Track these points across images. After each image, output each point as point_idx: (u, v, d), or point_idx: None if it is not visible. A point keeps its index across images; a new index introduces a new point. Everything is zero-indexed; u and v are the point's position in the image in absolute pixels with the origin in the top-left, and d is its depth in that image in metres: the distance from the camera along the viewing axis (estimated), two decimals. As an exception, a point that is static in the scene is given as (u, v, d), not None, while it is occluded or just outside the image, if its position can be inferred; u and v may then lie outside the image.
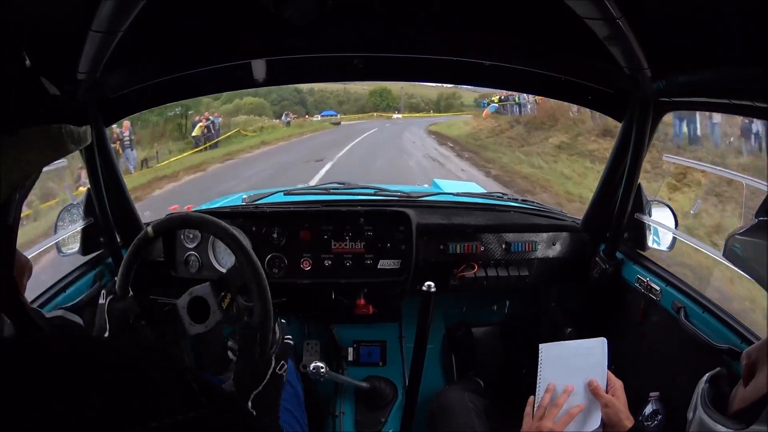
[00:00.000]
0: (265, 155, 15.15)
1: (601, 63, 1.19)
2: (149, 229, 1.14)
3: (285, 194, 1.87)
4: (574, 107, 10.31)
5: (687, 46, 0.99)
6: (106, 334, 1.08)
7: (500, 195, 2.01)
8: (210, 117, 16.77)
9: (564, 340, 1.56)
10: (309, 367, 1.49)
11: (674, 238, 1.47)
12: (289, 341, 1.75)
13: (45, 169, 0.48)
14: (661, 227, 1.48)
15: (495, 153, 13.42)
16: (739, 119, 6.61)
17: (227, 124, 19.98)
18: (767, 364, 0.57)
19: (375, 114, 33.03)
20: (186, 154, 14.42)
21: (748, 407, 0.56)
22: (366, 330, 1.77)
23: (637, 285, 1.43)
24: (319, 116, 29.44)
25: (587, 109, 8.59)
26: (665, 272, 1.39)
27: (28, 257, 0.59)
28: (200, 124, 16.07)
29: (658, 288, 1.35)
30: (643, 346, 1.41)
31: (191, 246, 1.58)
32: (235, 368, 1.04)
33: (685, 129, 7.78)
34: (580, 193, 7.90)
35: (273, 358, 1.02)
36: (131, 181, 9.58)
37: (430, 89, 33.86)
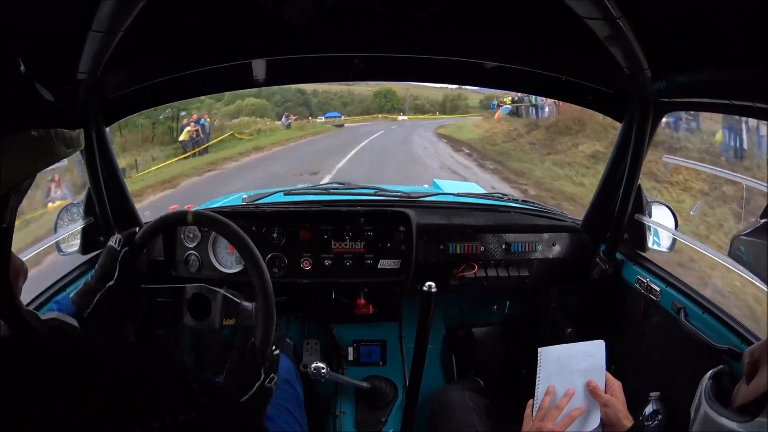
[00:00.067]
0: (253, 165, 13.14)
1: (601, 63, 1.19)
2: (189, 215, 1.14)
3: (285, 194, 1.87)
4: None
5: (687, 47, 1.00)
6: (112, 282, 1.10)
7: (500, 195, 2.01)
8: (200, 119, 15.60)
9: (564, 340, 1.57)
10: (309, 367, 1.49)
11: (674, 239, 1.47)
12: (288, 342, 1.75)
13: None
14: (661, 228, 1.48)
15: (521, 163, 11.66)
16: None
17: (222, 126, 18.92)
18: None
19: (380, 115, 32.50)
20: (170, 161, 12.89)
21: (751, 402, 0.57)
22: (366, 330, 1.77)
23: (637, 285, 1.43)
24: (322, 118, 28.93)
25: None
26: (665, 273, 1.39)
27: (23, 260, 0.59)
28: (188, 128, 14.65)
29: (658, 288, 1.35)
30: (643, 346, 1.41)
31: (191, 245, 1.58)
32: (224, 375, 1.04)
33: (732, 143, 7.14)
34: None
35: (262, 371, 1.02)
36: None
37: (435, 90, 33.38)
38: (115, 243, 1.15)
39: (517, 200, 1.93)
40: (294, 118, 25.77)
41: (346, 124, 27.55)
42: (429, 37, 1.25)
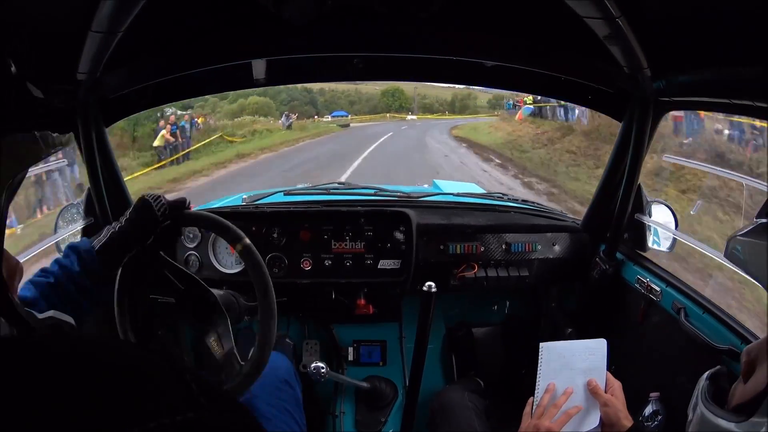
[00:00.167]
0: (224, 182, 9.95)
1: (601, 63, 1.19)
2: (239, 245, 1.04)
3: (285, 194, 1.87)
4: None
5: (687, 46, 0.99)
6: (141, 249, 0.99)
7: (500, 195, 2.01)
8: (181, 121, 13.48)
9: (564, 340, 1.56)
10: (309, 367, 1.49)
11: (674, 239, 1.47)
12: (288, 342, 1.75)
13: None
14: (661, 228, 1.48)
15: (576, 182, 8.85)
16: None
17: (215, 127, 17.09)
18: (767, 360, 0.57)
19: (388, 115, 31.60)
20: (139, 172, 10.56)
21: (748, 402, 0.57)
22: (366, 330, 1.77)
23: (637, 285, 1.43)
24: (329, 117, 27.95)
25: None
26: (665, 273, 1.39)
27: (20, 260, 0.59)
28: (162, 132, 12.30)
29: (658, 288, 1.35)
30: (643, 346, 1.41)
31: (191, 246, 1.58)
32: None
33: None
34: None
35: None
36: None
37: (444, 90, 32.47)
38: (158, 209, 0.98)
39: (516, 200, 1.93)
40: (295, 117, 24.08)
41: (352, 124, 25.83)
42: (429, 37, 1.25)
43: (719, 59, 0.95)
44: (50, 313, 0.78)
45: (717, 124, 6.90)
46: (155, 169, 11.20)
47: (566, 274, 1.66)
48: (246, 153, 14.58)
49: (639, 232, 1.51)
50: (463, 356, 1.81)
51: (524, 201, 1.93)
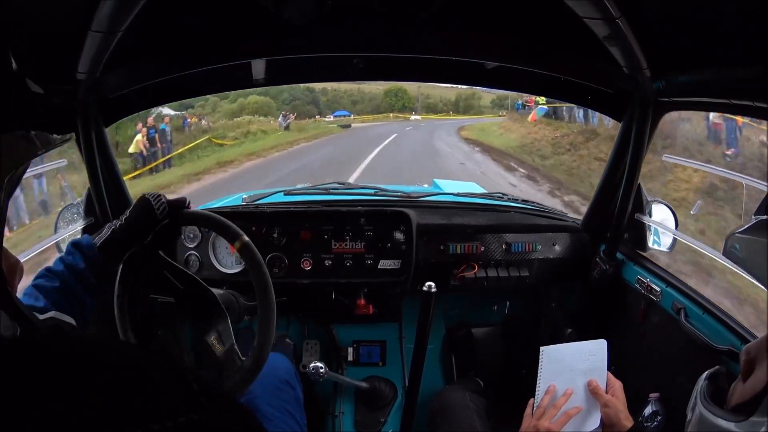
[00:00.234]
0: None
1: (601, 63, 1.19)
2: (237, 242, 1.04)
3: (285, 194, 1.87)
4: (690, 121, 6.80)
5: (687, 47, 0.99)
6: (139, 247, 0.99)
7: (500, 195, 2.01)
8: (161, 124, 12.02)
9: (564, 340, 1.56)
10: (309, 367, 1.49)
11: (674, 239, 1.47)
12: (288, 342, 1.75)
13: None
14: (661, 228, 1.48)
15: None
16: None
17: (206, 128, 15.99)
18: (766, 360, 0.57)
19: (391, 115, 31.08)
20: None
21: (747, 401, 0.56)
22: (366, 330, 1.77)
23: (637, 286, 1.43)
24: (331, 116, 27.56)
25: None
26: (665, 273, 1.39)
27: (21, 259, 0.59)
28: (138, 137, 10.84)
29: (658, 289, 1.35)
30: (643, 346, 1.41)
31: (192, 246, 1.58)
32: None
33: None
34: None
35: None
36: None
37: (448, 89, 31.90)
38: (157, 207, 0.99)
39: (516, 200, 1.93)
40: (293, 117, 23.11)
41: (354, 124, 24.78)
42: (429, 37, 1.25)
43: (719, 59, 0.95)
44: (51, 313, 0.78)
45: (762, 136, 5.91)
46: (130, 179, 9.51)
47: (566, 274, 1.66)
48: (228, 160, 12.50)
49: (639, 232, 1.51)
50: (463, 356, 1.81)
51: (524, 201, 1.93)
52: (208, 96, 12.25)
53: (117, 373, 0.28)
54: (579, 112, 13.51)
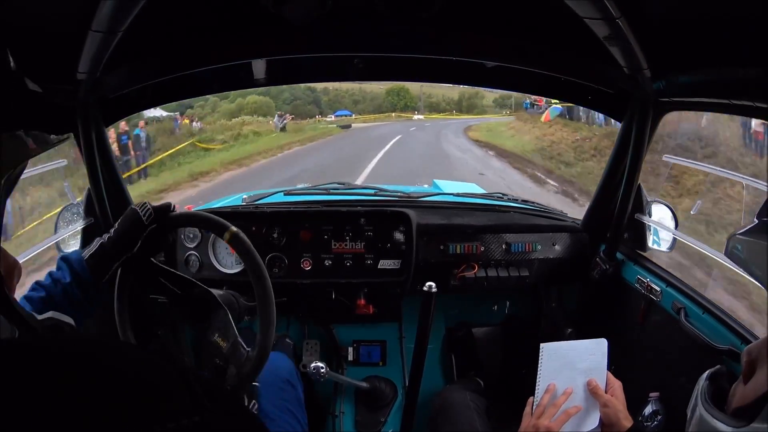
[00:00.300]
0: None
1: (601, 63, 1.19)
2: (227, 234, 1.05)
3: (285, 194, 1.87)
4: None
5: (687, 47, 0.99)
6: (130, 255, 1.00)
7: (500, 195, 2.01)
8: (139, 128, 10.76)
9: (564, 340, 1.56)
10: (309, 367, 1.49)
11: (674, 239, 1.47)
12: (289, 342, 1.75)
13: None
14: (661, 228, 1.48)
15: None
16: None
17: (192, 131, 14.91)
18: (767, 361, 0.57)
19: (393, 114, 30.51)
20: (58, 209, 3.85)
21: (749, 405, 0.56)
22: (366, 330, 1.77)
23: (637, 285, 1.43)
24: (333, 116, 27.11)
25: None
26: (665, 273, 1.39)
27: (20, 260, 0.59)
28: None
29: (658, 288, 1.35)
30: (643, 346, 1.41)
31: (191, 246, 1.58)
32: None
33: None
34: None
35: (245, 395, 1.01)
36: None
37: (451, 88, 31.28)
38: (144, 215, 1.01)
39: (516, 200, 1.93)
40: (290, 118, 21.94)
41: (355, 125, 23.57)
42: (429, 37, 1.25)
43: (719, 60, 0.95)
44: (50, 314, 0.78)
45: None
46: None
47: (566, 274, 1.66)
48: (202, 172, 10.79)
49: (639, 232, 1.51)
50: (463, 356, 1.81)
51: (524, 201, 1.93)
52: (207, 96, 11.94)
53: (120, 377, 0.28)
54: (598, 116, 11.61)
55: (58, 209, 1.50)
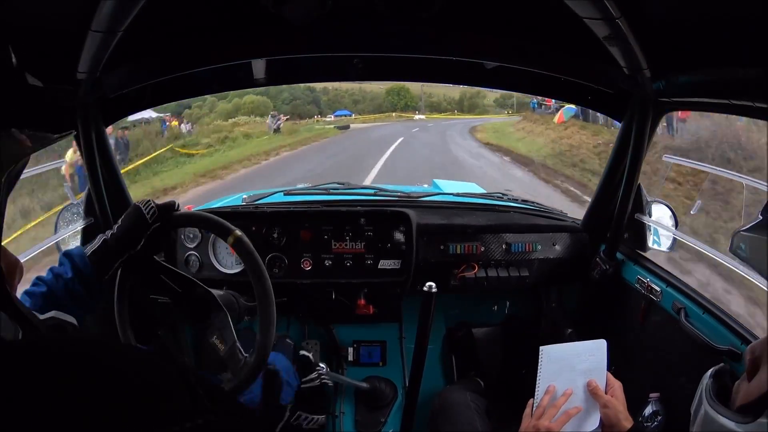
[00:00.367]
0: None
1: (601, 63, 1.19)
2: (231, 237, 1.05)
3: (285, 194, 1.87)
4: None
5: (686, 47, 0.99)
6: (133, 252, 1.00)
7: (500, 195, 2.01)
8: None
9: (564, 340, 1.56)
10: (304, 349, 1.49)
11: (674, 239, 1.47)
12: (289, 342, 1.75)
13: None
14: (661, 228, 1.48)
15: None
16: None
17: (177, 133, 13.98)
18: None
19: (393, 114, 29.99)
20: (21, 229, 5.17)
21: (754, 402, 0.56)
22: (366, 330, 1.77)
23: (637, 286, 1.43)
24: (332, 116, 26.77)
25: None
26: (666, 273, 1.39)
27: (21, 259, 0.59)
28: (65, 162, 4.88)
29: (658, 289, 1.35)
30: (643, 346, 1.40)
31: (191, 246, 1.58)
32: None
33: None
34: None
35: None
36: None
37: (452, 87, 30.10)
38: (147, 213, 1.01)
39: (516, 200, 1.93)
40: (285, 118, 20.68)
41: (355, 125, 22.71)
42: (429, 37, 1.25)
43: (719, 60, 0.95)
44: (52, 313, 0.78)
45: None
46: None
47: (566, 274, 1.66)
48: (167, 187, 9.52)
49: (639, 232, 1.51)
50: (463, 356, 1.81)
51: (524, 201, 1.93)
52: (206, 96, 11.12)
53: (122, 378, 0.28)
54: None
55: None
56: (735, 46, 0.88)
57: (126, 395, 0.27)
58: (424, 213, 1.67)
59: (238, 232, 1.03)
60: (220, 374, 1.03)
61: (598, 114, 11.34)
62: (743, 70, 0.90)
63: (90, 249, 0.99)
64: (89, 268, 0.96)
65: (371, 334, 1.77)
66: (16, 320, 0.52)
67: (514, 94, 20.46)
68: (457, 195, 1.96)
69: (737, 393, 0.60)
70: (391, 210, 1.63)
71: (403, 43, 1.28)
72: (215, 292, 1.08)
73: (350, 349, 1.76)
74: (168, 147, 12.29)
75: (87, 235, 1.49)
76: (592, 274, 1.57)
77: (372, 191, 1.85)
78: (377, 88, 32.51)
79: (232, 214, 1.62)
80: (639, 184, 1.46)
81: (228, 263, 1.59)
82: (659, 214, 1.48)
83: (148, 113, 12.22)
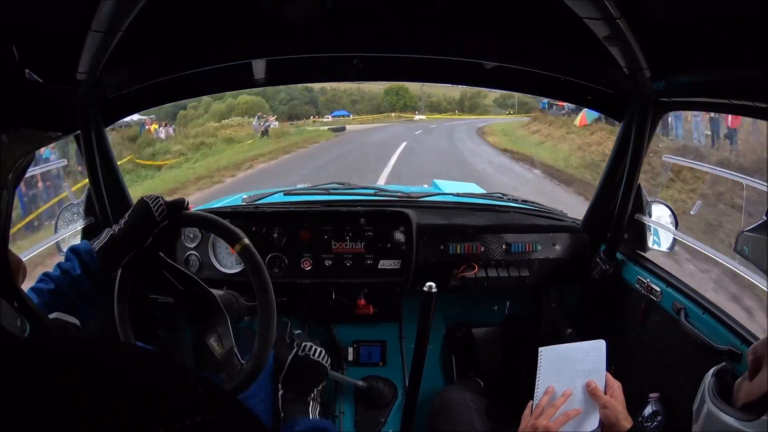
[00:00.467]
0: None
1: (601, 63, 1.19)
2: (238, 245, 1.04)
3: (285, 194, 1.87)
4: None
5: (686, 47, 0.99)
6: (140, 250, 0.98)
7: (500, 195, 2.01)
8: (49, 150, 4.86)
9: (564, 340, 1.56)
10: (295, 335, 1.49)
11: (674, 239, 1.47)
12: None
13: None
14: (661, 228, 1.48)
15: None
16: None
17: (147, 139, 12.65)
18: None
19: (392, 114, 29.40)
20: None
21: (756, 401, 0.56)
22: (366, 330, 1.77)
23: (637, 286, 1.43)
24: (329, 116, 26.47)
25: None
26: (666, 273, 1.39)
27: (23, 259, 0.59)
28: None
29: (658, 289, 1.35)
30: (643, 346, 1.40)
31: (192, 246, 1.58)
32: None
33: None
34: None
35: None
36: None
37: (452, 87, 29.45)
38: (156, 209, 0.98)
39: (516, 200, 1.93)
40: (273, 119, 19.17)
41: (351, 126, 21.24)
42: (429, 38, 1.25)
43: (719, 60, 0.95)
44: (55, 314, 0.78)
45: None
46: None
47: (566, 274, 1.66)
48: None
49: (639, 232, 1.51)
50: (463, 356, 1.81)
51: (524, 201, 1.93)
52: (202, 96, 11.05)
53: (121, 377, 0.28)
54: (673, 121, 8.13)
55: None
56: (735, 46, 0.88)
57: (123, 393, 0.27)
58: (424, 213, 1.67)
59: (246, 241, 1.02)
60: (220, 374, 1.03)
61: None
62: (743, 70, 0.90)
63: (98, 244, 0.97)
64: (97, 264, 0.94)
65: (371, 334, 1.77)
66: (24, 314, 0.52)
67: (514, 94, 20.18)
68: (457, 195, 1.96)
69: (738, 392, 0.60)
70: (391, 210, 1.63)
71: (403, 43, 1.28)
72: (215, 292, 1.08)
73: (350, 349, 1.76)
74: (128, 158, 10.90)
75: (87, 235, 1.49)
76: (592, 274, 1.57)
77: (372, 191, 1.86)
78: (376, 88, 32.28)
79: (232, 214, 1.62)
80: (639, 184, 1.46)
81: (228, 263, 1.59)
82: (659, 214, 1.48)
83: (130, 116, 11.70)
